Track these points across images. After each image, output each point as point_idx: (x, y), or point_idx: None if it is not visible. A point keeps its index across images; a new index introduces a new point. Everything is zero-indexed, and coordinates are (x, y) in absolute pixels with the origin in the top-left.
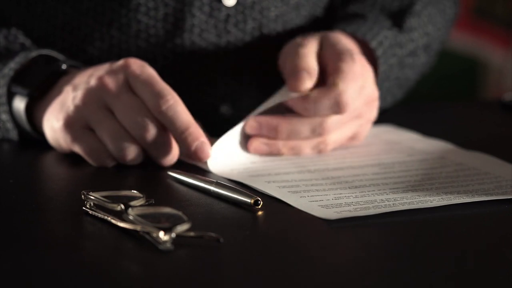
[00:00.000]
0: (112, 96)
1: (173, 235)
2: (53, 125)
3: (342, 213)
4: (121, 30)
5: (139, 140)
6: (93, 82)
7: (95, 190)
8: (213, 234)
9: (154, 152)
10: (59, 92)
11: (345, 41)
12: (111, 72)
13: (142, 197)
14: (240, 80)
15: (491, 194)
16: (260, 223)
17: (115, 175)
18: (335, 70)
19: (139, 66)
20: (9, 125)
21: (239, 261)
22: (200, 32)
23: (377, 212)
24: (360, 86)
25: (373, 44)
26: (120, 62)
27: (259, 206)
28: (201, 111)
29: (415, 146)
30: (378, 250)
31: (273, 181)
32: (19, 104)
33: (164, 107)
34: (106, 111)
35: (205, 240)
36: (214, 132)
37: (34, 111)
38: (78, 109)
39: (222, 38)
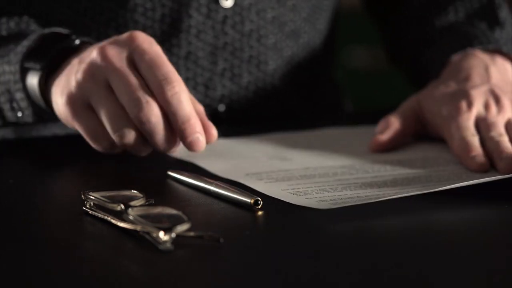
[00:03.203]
0: (112, 70)
1: (173, 235)
2: (57, 100)
3: (338, 202)
4: (118, 30)
5: (135, 121)
6: (95, 53)
7: (95, 190)
8: (213, 234)
9: (152, 136)
10: (68, 66)
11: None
12: (114, 44)
13: (142, 197)
14: (237, 82)
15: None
16: (260, 223)
17: (115, 175)
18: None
19: (146, 42)
20: (24, 103)
21: (239, 261)
22: (197, 33)
23: (378, 199)
24: None
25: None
26: (126, 34)
27: (259, 206)
28: None
29: (414, 146)
30: (379, 249)
31: (274, 182)
32: (32, 79)
33: (169, 94)
34: (106, 88)
35: (205, 240)
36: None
37: (47, 87)
38: (79, 85)
39: (219, 39)
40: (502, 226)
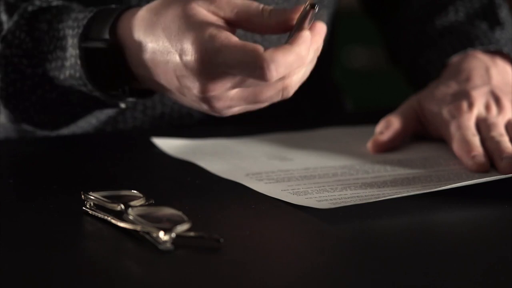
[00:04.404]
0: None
1: (173, 235)
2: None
3: (338, 201)
4: None
5: None
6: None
7: (95, 190)
8: (213, 234)
9: None
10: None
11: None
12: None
13: (142, 197)
14: None
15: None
16: (260, 223)
17: (115, 175)
18: None
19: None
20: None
21: (239, 261)
22: None
23: (378, 199)
24: None
25: (505, 50)
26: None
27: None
28: None
29: (414, 146)
30: (379, 250)
31: (274, 182)
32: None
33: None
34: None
35: (205, 240)
36: (216, 128)
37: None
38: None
39: None
40: (502, 226)
